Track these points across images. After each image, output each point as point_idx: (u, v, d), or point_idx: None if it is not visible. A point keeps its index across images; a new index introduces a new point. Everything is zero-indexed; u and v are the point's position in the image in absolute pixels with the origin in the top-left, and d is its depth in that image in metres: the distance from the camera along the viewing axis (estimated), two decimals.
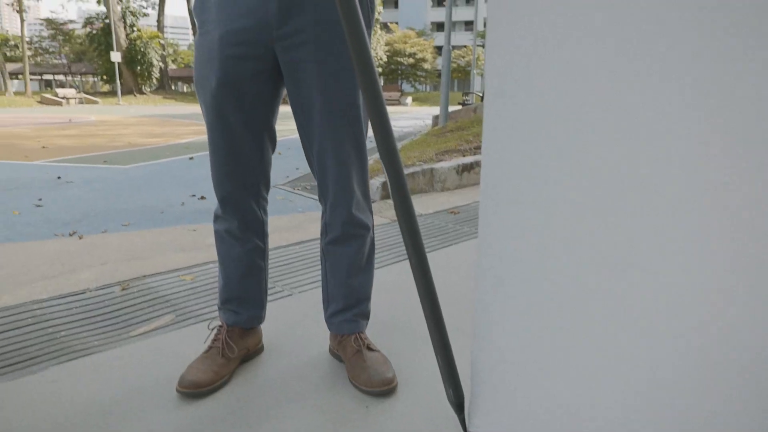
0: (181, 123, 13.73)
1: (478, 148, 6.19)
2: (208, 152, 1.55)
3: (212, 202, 3.93)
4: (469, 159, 5.27)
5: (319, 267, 1.96)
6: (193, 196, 4.15)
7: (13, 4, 28.68)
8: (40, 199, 3.95)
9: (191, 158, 6.20)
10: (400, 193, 0.93)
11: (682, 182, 0.67)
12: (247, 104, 1.30)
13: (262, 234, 1.47)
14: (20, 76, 44.00)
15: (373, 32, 0.70)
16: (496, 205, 0.81)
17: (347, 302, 1.46)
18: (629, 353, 0.75)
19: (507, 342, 0.85)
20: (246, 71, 1.27)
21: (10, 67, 43.92)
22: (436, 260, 2.48)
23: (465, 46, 47.93)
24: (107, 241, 2.95)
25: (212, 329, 1.51)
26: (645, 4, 0.66)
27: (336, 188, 1.34)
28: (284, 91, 1.36)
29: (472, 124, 7.77)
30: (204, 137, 9.33)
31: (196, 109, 24.56)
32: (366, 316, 1.49)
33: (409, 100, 35.96)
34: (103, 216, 3.50)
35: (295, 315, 1.85)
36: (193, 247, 2.84)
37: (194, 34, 1.61)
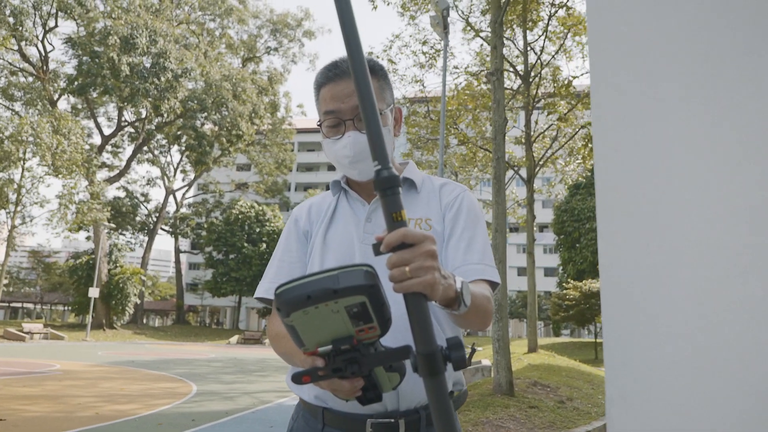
0: (149, 377, 12.88)
1: None
2: None
3: None
4: None
5: None
6: None
7: (6, 240, 29.31)
8: None
9: None
10: None
11: None
12: None
13: None
14: None
15: None
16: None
17: None
18: None
19: None
20: None
21: None
22: None
23: None
24: None
25: None
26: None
27: None
28: None
29: (472, 405, 7.31)
30: (176, 405, 8.57)
31: (163, 350, 23.62)
32: None
33: None
34: None
35: None
36: None
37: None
